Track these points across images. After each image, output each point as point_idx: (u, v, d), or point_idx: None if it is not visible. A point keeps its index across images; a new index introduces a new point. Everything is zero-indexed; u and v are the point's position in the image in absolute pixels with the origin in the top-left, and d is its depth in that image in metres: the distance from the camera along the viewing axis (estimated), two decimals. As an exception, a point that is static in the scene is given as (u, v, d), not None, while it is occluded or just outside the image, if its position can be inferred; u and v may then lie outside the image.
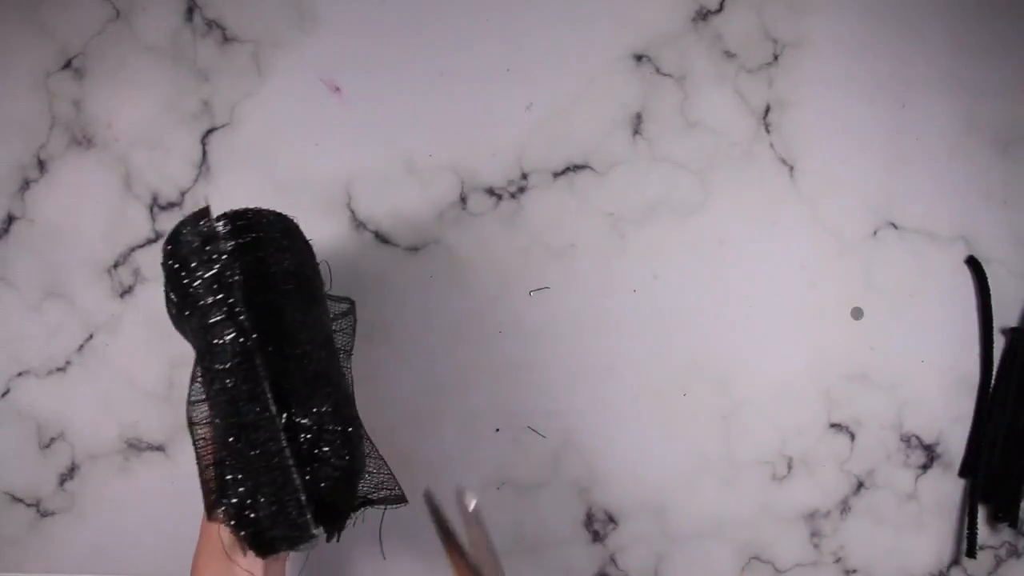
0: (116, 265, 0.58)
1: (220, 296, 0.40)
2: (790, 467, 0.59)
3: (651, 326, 0.59)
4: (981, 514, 0.59)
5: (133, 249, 0.58)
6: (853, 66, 0.60)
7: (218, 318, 0.40)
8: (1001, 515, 0.59)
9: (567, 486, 0.59)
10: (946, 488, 0.60)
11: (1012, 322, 0.60)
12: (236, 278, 0.41)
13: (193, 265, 0.41)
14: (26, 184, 0.58)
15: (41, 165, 0.58)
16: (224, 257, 0.41)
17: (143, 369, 0.58)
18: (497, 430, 0.59)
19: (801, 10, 0.60)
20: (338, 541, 0.43)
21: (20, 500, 0.58)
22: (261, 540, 0.40)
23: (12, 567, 0.58)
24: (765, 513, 0.59)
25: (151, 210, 0.58)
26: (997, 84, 0.60)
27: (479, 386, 0.58)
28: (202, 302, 0.41)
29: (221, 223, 0.43)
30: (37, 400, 0.58)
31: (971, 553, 0.59)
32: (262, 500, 0.39)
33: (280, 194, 0.58)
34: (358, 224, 0.59)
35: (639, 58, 0.59)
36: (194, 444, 0.42)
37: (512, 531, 0.58)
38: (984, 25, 0.60)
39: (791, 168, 0.60)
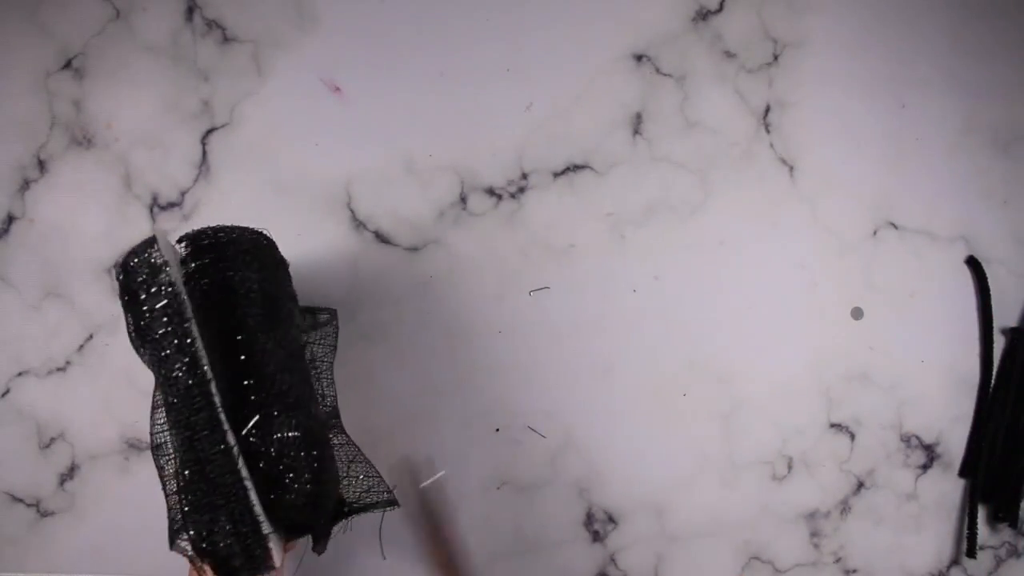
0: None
1: (171, 328, 0.39)
2: (790, 467, 0.59)
3: (651, 326, 0.59)
4: (981, 514, 0.59)
5: (133, 249, 0.58)
6: (853, 66, 0.60)
7: (169, 351, 0.39)
8: (1001, 515, 0.59)
9: (567, 486, 0.59)
10: (946, 488, 0.60)
11: (1012, 322, 0.60)
12: (187, 309, 0.39)
13: (143, 297, 0.40)
14: (26, 184, 0.58)
15: (41, 165, 0.58)
16: (171, 288, 0.39)
17: (143, 369, 0.58)
18: (497, 430, 0.59)
19: (801, 10, 0.60)
20: (323, 551, 0.42)
21: (20, 500, 0.58)
22: (225, 569, 0.39)
23: (12, 567, 0.58)
24: (765, 513, 0.59)
25: (151, 210, 0.58)
26: (997, 84, 0.60)
27: (479, 386, 0.58)
28: (154, 335, 0.40)
29: (182, 244, 0.42)
30: (37, 400, 0.58)
31: (971, 553, 0.59)
32: (217, 532, 0.38)
33: (280, 194, 0.58)
34: (358, 224, 0.59)
35: (639, 58, 0.59)
36: (159, 474, 0.42)
37: (512, 531, 0.58)
38: (984, 25, 0.60)
39: (791, 168, 0.60)
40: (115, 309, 0.58)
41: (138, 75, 0.58)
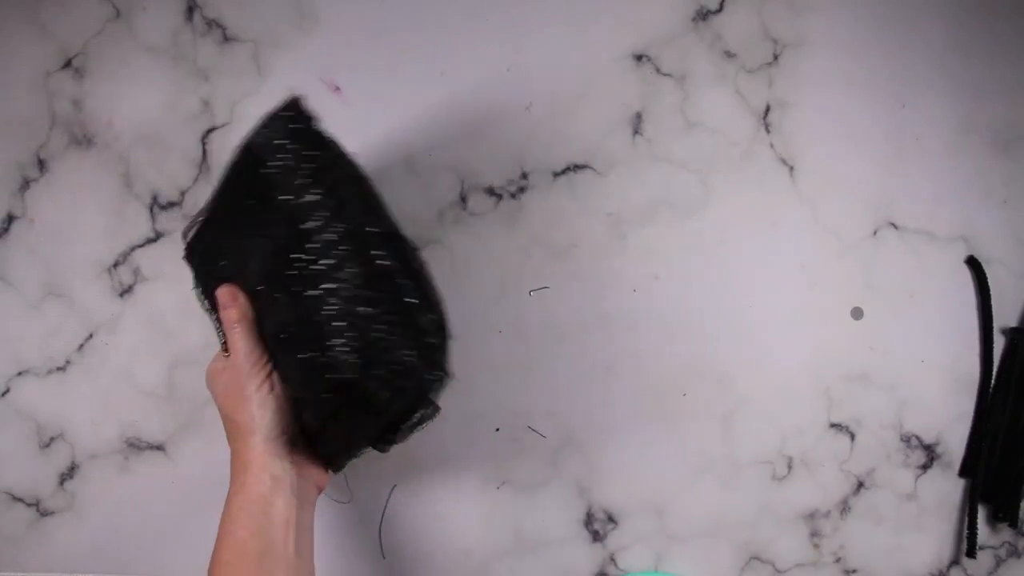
0: (116, 265, 0.58)
1: (311, 166, 0.44)
2: (790, 467, 0.59)
3: (651, 326, 0.59)
4: (981, 514, 0.59)
5: (133, 249, 0.58)
6: (853, 66, 0.60)
7: (318, 197, 0.43)
8: (1001, 515, 0.59)
9: (567, 486, 0.59)
10: (946, 488, 0.60)
11: (1012, 322, 0.60)
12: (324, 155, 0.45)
13: (296, 146, 0.45)
14: (26, 184, 0.58)
15: (41, 165, 0.58)
16: (321, 137, 0.46)
17: (143, 369, 0.58)
18: (497, 430, 0.59)
19: (801, 10, 0.60)
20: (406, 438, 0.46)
21: (20, 500, 0.58)
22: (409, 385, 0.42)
23: (12, 567, 0.58)
24: (765, 513, 0.59)
25: (151, 210, 0.58)
26: (997, 84, 0.60)
27: (479, 386, 0.58)
28: (296, 182, 0.43)
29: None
30: (37, 400, 0.58)
31: (971, 553, 0.59)
32: (398, 347, 0.41)
33: (280, 194, 0.58)
34: (358, 224, 0.58)
35: (639, 58, 0.59)
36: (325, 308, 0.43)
37: (512, 531, 0.58)
38: (984, 25, 0.60)
39: (791, 168, 0.60)
40: (115, 309, 0.58)
41: (138, 75, 0.58)
